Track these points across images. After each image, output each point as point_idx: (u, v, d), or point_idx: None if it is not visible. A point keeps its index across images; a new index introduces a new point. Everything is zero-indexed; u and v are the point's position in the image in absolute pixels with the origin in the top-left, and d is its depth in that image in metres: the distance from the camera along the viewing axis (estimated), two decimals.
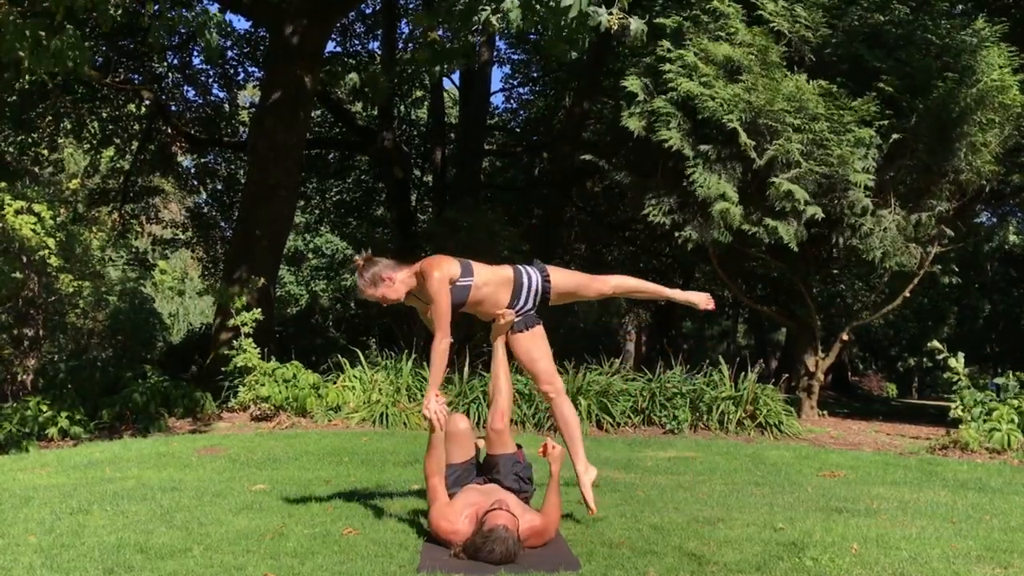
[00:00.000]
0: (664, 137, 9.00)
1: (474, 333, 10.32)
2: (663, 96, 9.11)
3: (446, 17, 8.25)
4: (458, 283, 4.11)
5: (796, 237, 8.91)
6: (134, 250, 17.96)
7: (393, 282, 4.11)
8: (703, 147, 8.94)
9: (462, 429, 4.15)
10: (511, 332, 4.30)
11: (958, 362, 8.10)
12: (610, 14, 6.16)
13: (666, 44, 9.18)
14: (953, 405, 8.09)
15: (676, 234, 9.34)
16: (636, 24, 6.17)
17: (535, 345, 4.31)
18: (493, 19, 6.53)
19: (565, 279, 4.40)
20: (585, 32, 6.70)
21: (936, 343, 8.32)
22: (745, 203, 8.94)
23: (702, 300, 4.56)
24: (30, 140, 15.59)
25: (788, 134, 8.68)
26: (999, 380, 8.65)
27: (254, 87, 18.45)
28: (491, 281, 4.20)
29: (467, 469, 4.12)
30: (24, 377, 8.96)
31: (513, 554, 3.50)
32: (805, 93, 8.64)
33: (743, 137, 8.74)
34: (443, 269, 4.07)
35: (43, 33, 6.37)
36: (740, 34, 8.96)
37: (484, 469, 4.17)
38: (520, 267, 4.30)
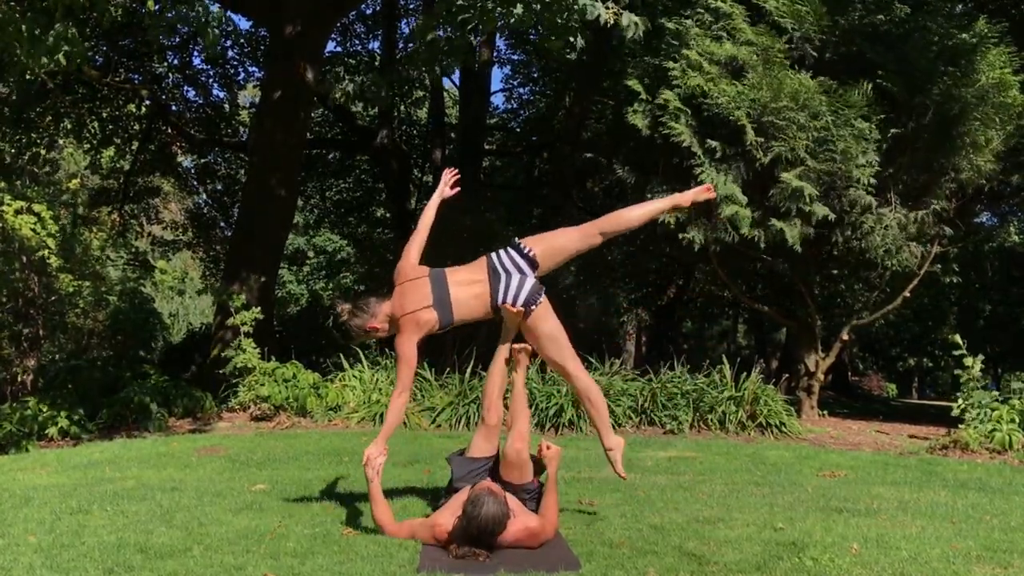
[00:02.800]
0: (675, 131, 8.94)
1: (477, 334, 10.32)
2: (671, 90, 9.09)
3: (446, 18, 8.28)
4: (438, 331, 4.22)
5: (800, 237, 8.90)
6: (134, 250, 17.94)
7: (377, 328, 4.28)
8: (710, 143, 8.92)
9: (494, 423, 4.19)
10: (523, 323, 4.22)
11: (975, 362, 8.10)
12: (607, 7, 6.20)
13: (672, 43, 9.16)
14: (956, 404, 8.09)
15: (680, 236, 9.33)
16: (628, 18, 6.21)
17: (537, 334, 4.26)
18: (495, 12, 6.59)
19: (546, 237, 4.37)
20: (578, 28, 6.74)
21: (957, 338, 8.30)
22: (749, 203, 8.93)
23: (700, 192, 4.47)
24: (28, 140, 15.56)
25: (792, 131, 8.67)
26: (1017, 384, 8.57)
27: (254, 87, 18.44)
28: (467, 299, 4.18)
29: (484, 467, 4.13)
30: (24, 377, 8.96)
31: (503, 515, 3.52)
32: (808, 90, 8.63)
33: (751, 135, 8.72)
34: (419, 332, 4.13)
35: (38, 31, 6.37)
36: (744, 33, 8.95)
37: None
38: (490, 255, 4.27)
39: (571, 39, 7.09)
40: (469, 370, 9.03)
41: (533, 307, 4.17)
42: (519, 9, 6.35)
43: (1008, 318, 23.55)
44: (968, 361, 8.09)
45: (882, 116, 8.78)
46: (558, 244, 4.34)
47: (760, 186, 9.06)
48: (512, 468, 4.03)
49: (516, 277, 4.18)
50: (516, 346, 4.37)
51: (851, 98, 8.69)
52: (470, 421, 8.41)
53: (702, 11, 9.37)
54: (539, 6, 6.50)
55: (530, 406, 8.48)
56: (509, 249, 4.28)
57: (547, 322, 4.24)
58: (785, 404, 9.00)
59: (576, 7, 6.19)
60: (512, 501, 3.82)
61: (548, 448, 4.03)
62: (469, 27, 7.93)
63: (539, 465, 4.19)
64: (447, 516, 3.76)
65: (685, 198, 4.49)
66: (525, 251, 4.23)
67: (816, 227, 9.16)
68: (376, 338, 4.36)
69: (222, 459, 6.47)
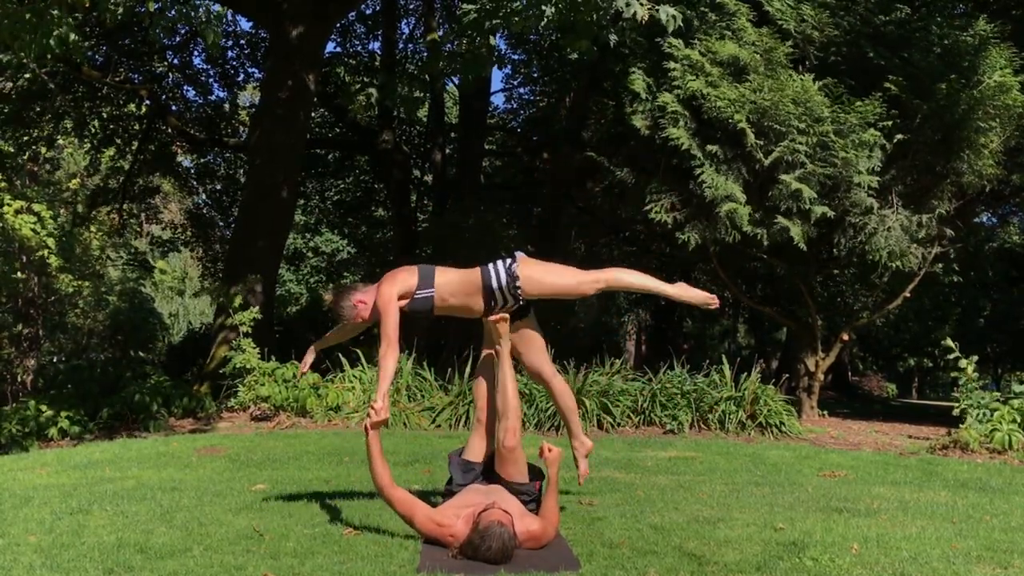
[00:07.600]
0: (673, 135, 8.94)
1: (472, 334, 10.31)
2: (670, 93, 9.07)
3: (469, 24, 8.18)
4: (416, 295, 4.16)
5: (804, 236, 8.89)
6: (133, 250, 17.94)
7: (367, 304, 4.25)
8: (711, 147, 8.91)
9: (486, 421, 4.20)
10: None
11: (969, 363, 8.10)
12: (641, 3, 6.22)
13: (673, 42, 9.14)
14: (956, 405, 8.10)
15: (677, 235, 9.32)
16: (665, 13, 6.22)
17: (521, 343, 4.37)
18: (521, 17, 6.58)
19: (541, 275, 4.23)
20: (609, 25, 6.72)
21: (949, 341, 8.31)
22: (749, 203, 8.92)
23: (702, 299, 4.35)
24: (29, 139, 15.55)
25: (793, 135, 8.66)
26: (1017, 387, 8.53)
27: (254, 87, 18.43)
28: (459, 291, 4.19)
29: (482, 472, 4.14)
30: (24, 377, 8.97)
31: (509, 550, 3.50)
32: (811, 94, 8.61)
33: (751, 138, 8.71)
34: (394, 285, 4.15)
35: (35, 18, 6.38)
36: (747, 33, 8.93)
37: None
38: (488, 267, 4.21)
39: (601, 35, 7.06)
40: (468, 370, 9.03)
41: (519, 291, 4.17)
42: (550, 11, 6.32)
43: (1008, 318, 23.53)
44: (962, 363, 8.10)
45: (888, 123, 8.75)
46: (547, 281, 4.25)
47: (760, 186, 9.05)
48: (506, 464, 4.08)
49: (510, 303, 4.22)
50: (493, 317, 4.20)
51: (856, 106, 8.67)
52: (470, 421, 8.40)
53: (706, 8, 9.35)
54: (565, 6, 6.48)
55: (530, 406, 8.49)
56: (501, 268, 4.22)
57: (533, 326, 4.38)
58: (785, 404, 8.99)
59: (604, 4, 6.20)
60: (513, 504, 3.81)
61: (550, 450, 4.02)
62: (492, 32, 7.87)
63: (538, 472, 4.20)
64: (451, 516, 3.75)
65: (688, 294, 4.37)
66: (516, 283, 4.16)
67: (818, 227, 9.16)
68: (366, 320, 4.27)
69: (222, 459, 6.47)
